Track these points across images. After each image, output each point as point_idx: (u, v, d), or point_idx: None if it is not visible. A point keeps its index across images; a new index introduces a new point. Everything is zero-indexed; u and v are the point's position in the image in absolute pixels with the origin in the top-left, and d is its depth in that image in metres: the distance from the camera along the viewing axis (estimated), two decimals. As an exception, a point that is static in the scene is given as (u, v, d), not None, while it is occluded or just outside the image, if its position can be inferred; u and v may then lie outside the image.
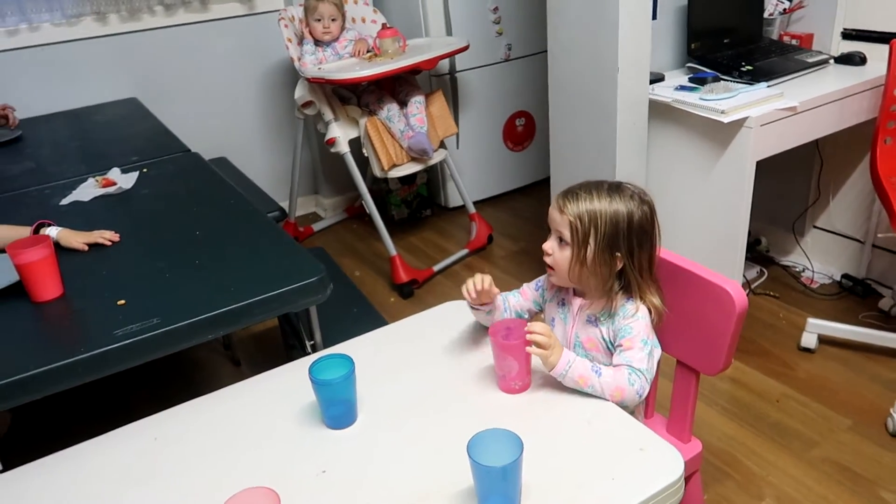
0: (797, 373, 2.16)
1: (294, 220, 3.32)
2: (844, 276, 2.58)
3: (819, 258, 2.68)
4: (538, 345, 1.13)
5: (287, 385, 1.22)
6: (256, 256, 1.44)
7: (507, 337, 1.21)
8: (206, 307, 1.25)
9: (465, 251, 3.09)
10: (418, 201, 3.48)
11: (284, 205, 3.26)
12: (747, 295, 2.54)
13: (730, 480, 1.79)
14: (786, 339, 2.31)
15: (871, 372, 2.13)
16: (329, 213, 3.63)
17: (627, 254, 1.23)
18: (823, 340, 2.25)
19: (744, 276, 2.37)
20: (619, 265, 1.23)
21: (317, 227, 3.48)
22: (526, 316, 1.37)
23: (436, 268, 2.96)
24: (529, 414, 1.14)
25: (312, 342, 1.46)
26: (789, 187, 2.68)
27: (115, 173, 1.99)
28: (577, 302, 1.29)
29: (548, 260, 1.25)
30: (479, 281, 1.25)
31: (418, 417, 1.15)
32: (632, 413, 1.28)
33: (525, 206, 3.55)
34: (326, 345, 1.40)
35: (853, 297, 2.51)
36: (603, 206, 1.21)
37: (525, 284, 1.39)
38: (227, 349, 2.52)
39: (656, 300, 1.26)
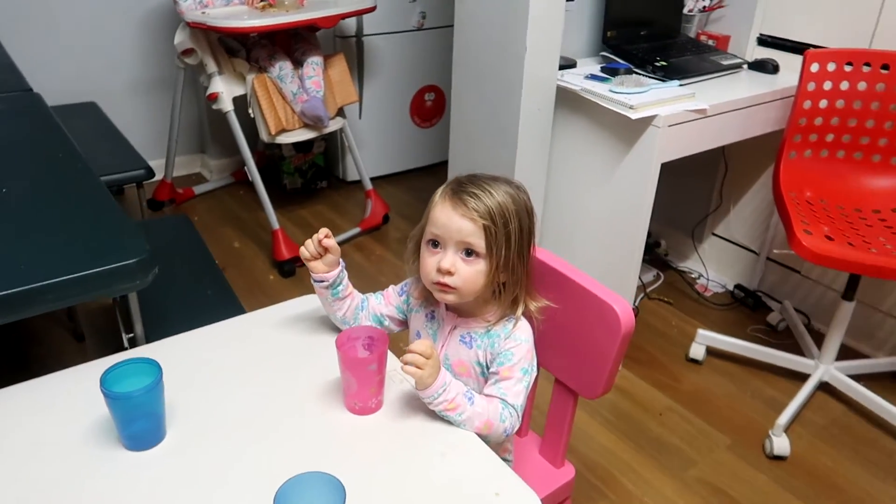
0: (683, 385, 2.10)
1: (170, 181, 3.00)
2: (737, 286, 2.55)
3: (714, 266, 2.64)
4: (414, 364, 0.94)
5: (82, 390, 0.99)
6: (68, 227, 1.17)
7: (369, 347, 1.03)
8: (-21, 287, 0.99)
9: (357, 230, 2.88)
10: (314, 171, 3.23)
11: (161, 163, 2.95)
12: (641, 299, 2.49)
13: (604, 500, 1.69)
14: (675, 349, 2.25)
15: (753, 388, 2.09)
16: (215, 176, 3.32)
17: (528, 253, 1.07)
18: (711, 352, 2.20)
19: (640, 278, 2.29)
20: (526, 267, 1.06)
21: (198, 189, 3.17)
22: (385, 323, 1.18)
23: (323, 246, 2.73)
24: (373, 440, 0.96)
25: (131, 335, 1.22)
26: (693, 191, 2.62)
27: (-76, 107, 1.65)
28: (451, 319, 1.11)
29: (450, 280, 1.01)
30: (319, 235, 1.05)
31: (240, 440, 0.94)
32: (499, 443, 1.13)
33: (427, 186, 3.32)
34: (162, 334, 1.17)
35: (744, 308, 2.48)
36: (506, 198, 1.01)
37: (391, 287, 1.19)
38: (71, 320, 2.22)
39: (535, 304, 1.10)
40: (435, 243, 1.03)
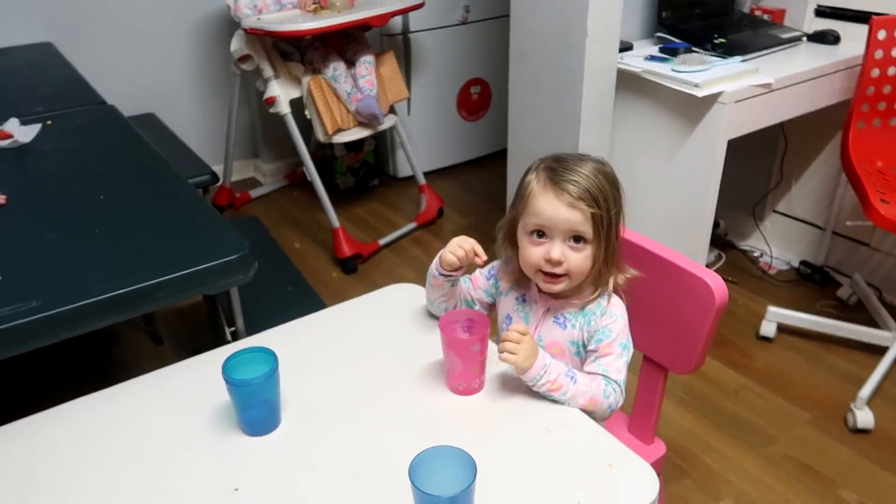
0: (755, 363, 2.08)
1: (229, 186, 3.07)
2: (803, 262, 2.51)
3: (778, 244, 2.61)
4: (508, 350, 0.96)
5: (198, 381, 1.03)
6: (169, 228, 1.22)
7: (469, 330, 1.05)
8: (99, 288, 1.04)
9: (413, 224, 2.91)
10: (365, 170, 3.27)
11: (219, 168, 3.02)
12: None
13: (687, 479, 1.69)
14: (744, 327, 2.23)
15: (829, 363, 2.06)
16: (268, 179, 3.39)
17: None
18: (782, 329, 2.18)
19: (703, 260, 2.27)
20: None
21: (254, 193, 3.24)
22: (476, 307, 1.20)
23: (382, 242, 2.78)
24: (481, 420, 0.98)
25: (233, 329, 1.26)
26: (751, 169, 2.58)
27: (12, 124, 1.72)
28: (545, 301, 1.11)
29: (559, 269, 1.02)
30: (467, 245, 1.05)
31: (351, 423, 0.98)
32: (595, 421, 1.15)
33: (477, 179, 3.38)
34: (252, 330, 1.21)
35: (811, 284, 2.45)
36: (601, 178, 1.01)
37: (477, 270, 1.21)
38: (149, 324, 2.29)
39: (623, 276, 1.09)
40: (540, 233, 1.03)
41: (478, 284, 1.20)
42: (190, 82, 3.15)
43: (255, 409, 0.97)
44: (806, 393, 1.95)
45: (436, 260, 1.11)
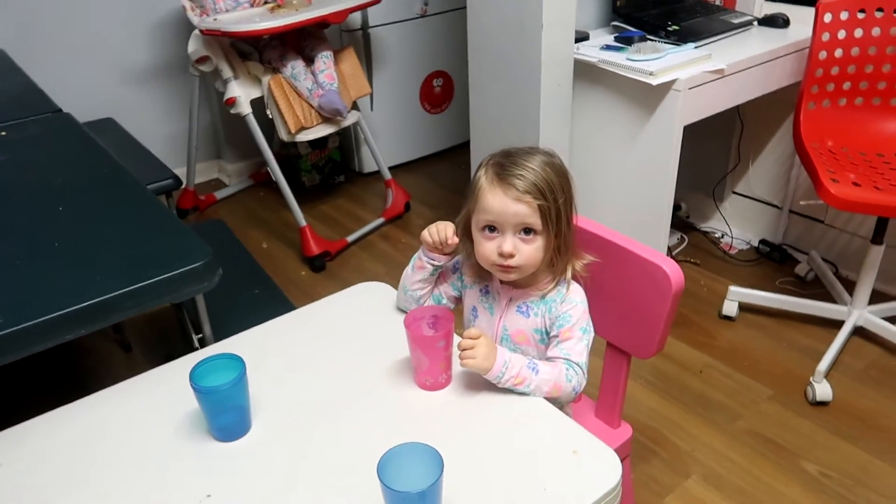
0: (719, 342, 2.14)
1: (193, 189, 3.05)
2: (762, 241, 2.58)
3: (737, 224, 2.67)
4: (464, 357, 0.99)
5: (166, 390, 1.04)
6: (130, 237, 1.22)
7: (434, 326, 1.07)
8: (63, 301, 1.03)
9: (381, 220, 2.92)
10: (330, 167, 3.27)
11: (182, 171, 2.98)
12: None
13: (656, 458, 1.74)
14: (707, 308, 2.28)
15: (789, 339, 2.13)
16: (233, 180, 3.36)
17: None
18: (743, 308, 2.24)
19: (666, 243, 2.32)
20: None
21: (220, 195, 3.21)
22: (444, 301, 1.22)
23: (350, 238, 2.78)
24: (450, 414, 1.01)
25: (200, 335, 1.27)
26: (710, 152, 2.64)
27: (-35, 137, 1.69)
28: (507, 291, 1.15)
29: (512, 262, 1.05)
30: (441, 231, 1.09)
31: (322, 424, 0.99)
32: (561, 406, 1.18)
33: (443, 171, 3.39)
34: (221, 335, 1.22)
35: (770, 262, 2.52)
36: (548, 170, 1.04)
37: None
38: (118, 332, 2.27)
39: (580, 263, 1.13)
40: (491, 228, 1.06)
41: (444, 278, 1.22)
42: (148, 85, 3.10)
43: (225, 414, 0.98)
44: (768, 369, 2.02)
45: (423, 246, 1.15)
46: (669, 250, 2.56)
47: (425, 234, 1.13)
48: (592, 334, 1.12)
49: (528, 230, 1.04)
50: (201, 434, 0.98)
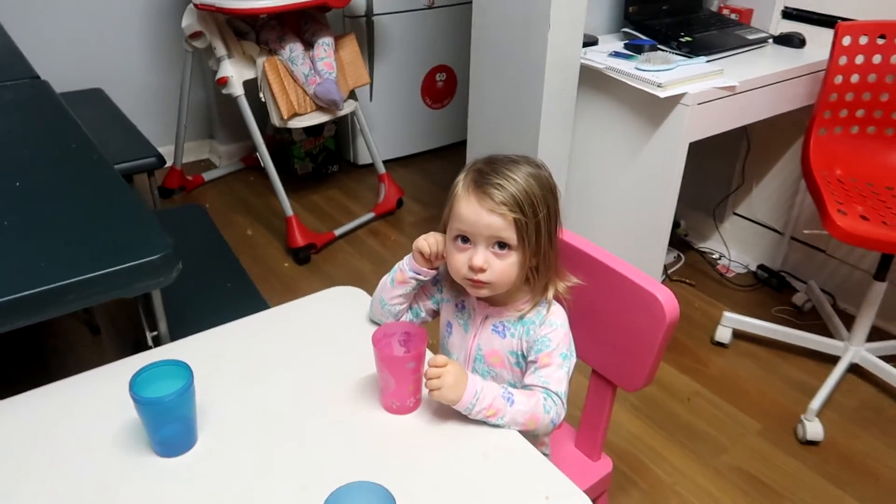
0: (709, 369, 2.06)
1: (180, 168, 2.95)
2: (760, 266, 2.50)
3: (736, 246, 2.59)
4: (430, 387, 0.91)
5: (105, 394, 0.95)
6: (85, 222, 1.12)
7: (406, 344, 0.99)
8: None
9: (371, 215, 2.83)
10: (324, 155, 3.17)
11: (170, 150, 2.89)
12: (663, 281, 2.45)
13: (636, 490, 1.66)
14: (699, 332, 2.21)
15: (782, 372, 2.05)
16: (224, 162, 3.27)
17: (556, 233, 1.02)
18: (737, 335, 2.16)
19: (662, 262, 2.24)
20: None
21: (208, 176, 3.12)
22: (422, 314, 1.14)
23: (337, 232, 2.69)
24: (413, 443, 0.92)
25: (155, 333, 1.18)
26: (714, 170, 2.56)
27: (-70, 99, 1.60)
28: (483, 308, 1.07)
29: (483, 276, 0.97)
30: (440, 242, 1.01)
31: (275, 442, 0.91)
32: (536, 436, 1.10)
33: (439, 169, 3.30)
34: (182, 331, 1.13)
35: (767, 289, 2.44)
36: (531, 183, 0.96)
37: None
38: (86, 312, 2.18)
39: (563, 284, 1.05)
40: (464, 239, 0.98)
41: (424, 290, 1.14)
42: (142, 57, 3.00)
43: (168, 427, 0.89)
44: (758, 402, 1.94)
45: (408, 256, 1.06)
46: (665, 269, 2.48)
47: (423, 244, 1.03)
48: (574, 360, 1.04)
49: (501, 244, 0.96)
50: (141, 447, 0.89)
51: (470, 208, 0.95)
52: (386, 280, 1.09)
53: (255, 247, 2.65)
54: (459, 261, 0.98)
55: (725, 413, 1.90)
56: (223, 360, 1.05)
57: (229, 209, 2.91)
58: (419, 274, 1.06)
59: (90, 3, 2.80)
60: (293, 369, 1.04)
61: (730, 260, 2.57)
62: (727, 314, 2.14)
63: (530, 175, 0.97)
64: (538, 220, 0.96)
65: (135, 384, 0.86)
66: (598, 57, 1.90)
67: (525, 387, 1.01)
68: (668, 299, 1.07)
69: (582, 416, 1.26)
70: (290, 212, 2.54)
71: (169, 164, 2.92)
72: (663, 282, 2.43)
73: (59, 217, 1.13)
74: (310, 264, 2.55)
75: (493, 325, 1.06)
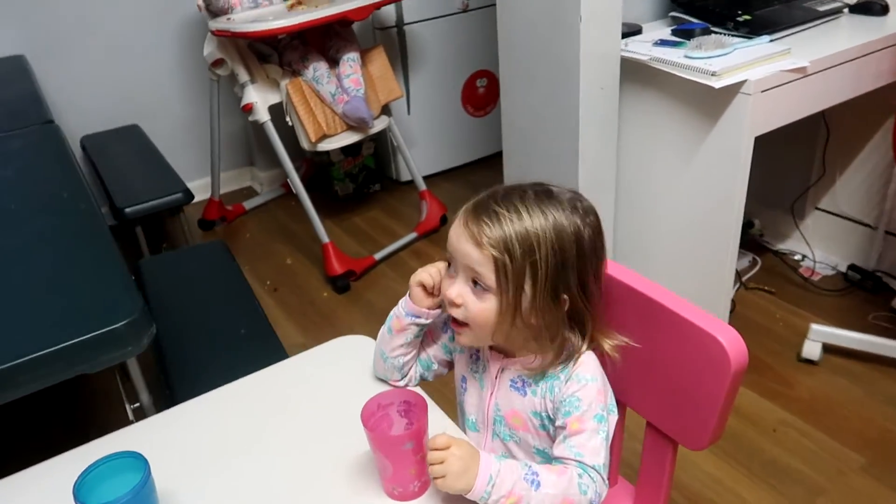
0: (798, 392, 1.79)
1: (219, 199, 2.88)
2: (851, 266, 2.20)
3: (821, 245, 2.29)
4: (433, 475, 0.75)
5: (56, 488, 0.82)
6: (47, 286, 1.00)
7: (407, 415, 0.82)
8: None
9: (413, 234, 2.68)
10: (365, 175, 3.04)
11: (207, 181, 2.83)
12: (737, 290, 2.18)
13: (715, 545, 1.43)
14: (784, 348, 1.94)
15: (885, 391, 1.77)
16: (265, 188, 3.19)
17: (578, 288, 0.83)
18: (828, 349, 1.88)
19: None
20: (566, 307, 0.83)
21: (248, 205, 3.04)
22: (434, 367, 0.97)
23: (378, 255, 2.55)
24: (417, 544, 0.75)
25: (137, 405, 1.05)
26: (788, 162, 2.28)
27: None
28: (497, 359, 0.89)
29: (457, 313, 0.83)
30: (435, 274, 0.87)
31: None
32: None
33: (486, 179, 3.08)
34: (183, 383, 1.00)
35: (861, 292, 2.14)
36: (543, 225, 0.79)
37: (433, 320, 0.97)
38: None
39: (609, 342, 0.87)
40: (450, 264, 0.85)
41: (433, 337, 0.97)
42: (174, 91, 2.96)
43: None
44: (858, 429, 1.67)
45: (403, 299, 0.91)
46: (739, 276, 2.21)
47: (424, 275, 0.88)
48: (614, 418, 0.85)
49: (477, 282, 0.81)
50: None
51: (456, 230, 0.83)
52: (384, 329, 0.93)
53: (294, 276, 2.54)
54: (443, 289, 0.85)
55: (820, 445, 1.63)
56: (204, 435, 0.91)
57: (269, 238, 2.82)
58: (419, 317, 0.90)
59: (122, 40, 2.77)
60: (284, 442, 0.90)
61: (814, 261, 2.28)
62: (815, 326, 1.86)
63: (547, 216, 0.80)
64: (533, 265, 0.78)
65: (80, 489, 0.73)
66: (641, 47, 1.68)
67: (555, 459, 0.82)
68: (733, 342, 0.86)
69: (640, 474, 1.05)
70: (325, 238, 2.42)
71: (208, 195, 2.86)
72: (738, 291, 2.18)
73: (22, 278, 1.02)
74: (350, 292, 2.42)
75: (510, 381, 0.88)
